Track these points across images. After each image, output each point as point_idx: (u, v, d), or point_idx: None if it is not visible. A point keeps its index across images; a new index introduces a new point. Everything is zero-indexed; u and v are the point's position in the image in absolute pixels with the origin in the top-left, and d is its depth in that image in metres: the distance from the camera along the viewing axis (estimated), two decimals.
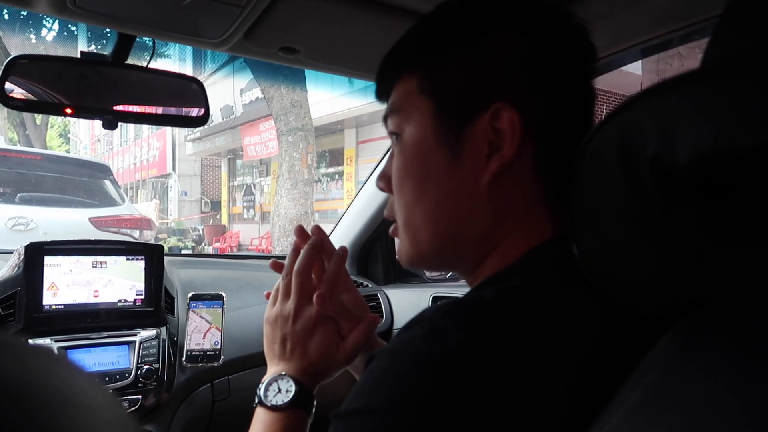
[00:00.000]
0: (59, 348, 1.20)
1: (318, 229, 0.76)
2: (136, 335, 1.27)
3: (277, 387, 0.66)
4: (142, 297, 1.34)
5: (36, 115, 11.82)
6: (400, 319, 1.67)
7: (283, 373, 0.67)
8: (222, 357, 1.34)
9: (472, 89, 0.54)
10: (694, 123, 0.41)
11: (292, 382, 0.66)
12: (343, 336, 0.70)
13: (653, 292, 0.44)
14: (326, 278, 0.71)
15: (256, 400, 0.67)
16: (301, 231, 0.76)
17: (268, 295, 0.77)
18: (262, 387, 0.67)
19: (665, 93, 0.44)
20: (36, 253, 1.24)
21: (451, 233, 0.56)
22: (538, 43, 0.54)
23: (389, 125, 0.60)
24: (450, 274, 1.74)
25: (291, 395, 0.65)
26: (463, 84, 0.54)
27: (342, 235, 1.82)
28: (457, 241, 0.56)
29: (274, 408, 0.65)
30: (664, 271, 0.43)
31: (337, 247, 0.76)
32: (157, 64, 1.11)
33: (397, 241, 0.63)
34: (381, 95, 0.63)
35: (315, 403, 0.68)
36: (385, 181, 0.62)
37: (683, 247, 0.42)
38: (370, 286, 1.77)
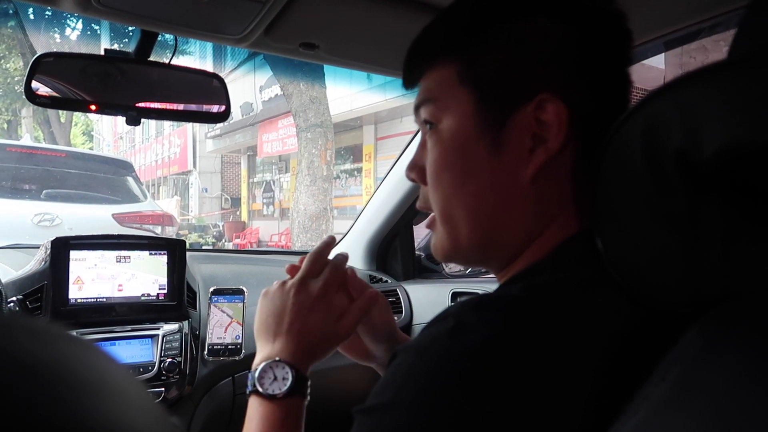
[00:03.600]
0: (90, 340, 1.22)
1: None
2: (159, 329, 1.29)
3: (273, 374, 0.64)
4: (165, 291, 1.36)
5: (60, 112, 12.04)
6: (419, 315, 1.67)
7: (278, 358, 0.64)
8: (243, 351, 1.35)
9: (515, 79, 0.52)
10: (721, 116, 0.41)
11: (288, 368, 0.63)
12: (342, 312, 0.70)
13: (678, 289, 0.44)
14: (333, 261, 0.74)
15: (249, 388, 0.64)
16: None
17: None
18: (256, 373, 0.64)
19: (691, 85, 0.43)
20: (62, 248, 1.26)
21: (490, 227, 0.55)
22: (579, 29, 0.52)
23: (422, 114, 0.58)
24: (469, 270, 1.73)
25: (288, 383, 0.63)
26: (505, 74, 0.52)
27: (361, 232, 1.82)
28: (496, 235, 0.55)
29: (270, 397, 0.63)
30: (689, 266, 0.43)
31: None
32: (179, 61, 1.12)
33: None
34: (409, 83, 0.61)
35: (309, 384, 0.66)
36: (417, 171, 0.60)
37: (709, 242, 0.42)
38: (389, 281, 1.77)
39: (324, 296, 0.68)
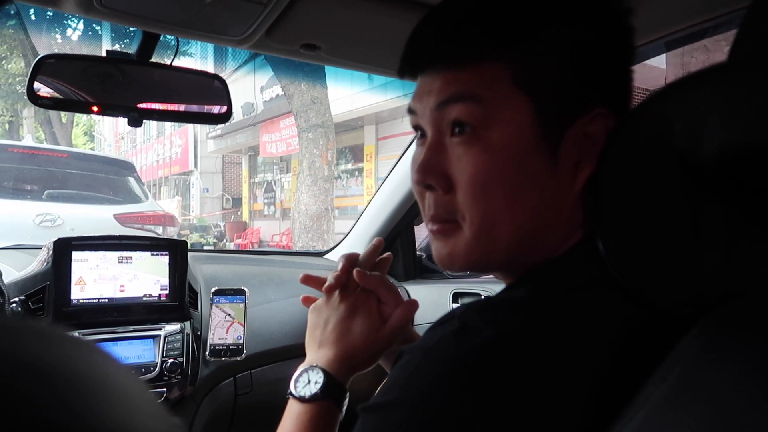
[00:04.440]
0: (92, 342, 1.22)
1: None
2: (160, 329, 1.30)
3: (307, 378, 0.66)
4: (167, 292, 1.36)
5: (62, 113, 12.05)
6: (421, 315, 1.67)
7: (315, 364, 0.67)
8: (245, 351, 1.36)
9: (573, 90, 0.49)
10: (722, 117, 0.41)
11: (321, 373, 0.66)
12: (383, 319, 0.71)
13: (680, 289, 0.44)
14: (360, 259, 0.74)
15: (288, 391, 0.67)
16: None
17: (305, 299, 0.80)
18: (294, 378, 0.67)
19: (692, 86, 0.44)
20: (64, 249, 1.26)
21: (532, 242, 0.52)
22: (610, 40, 0.51)
23: (454, 112, 0.51)
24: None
25: (319, 386, 0.65)
26: (564, 83, 0.49)
27: (362, 232, 1.82)
28: (531, 248, 0.52)
29: (301, 399, 0.65)
30: (691, 267, 0.43)
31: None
32: (180, 62, 1.12)
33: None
34: (418, 71, 0.54)
35: (347, 396, 0.67)
36: (437, 177, 0.53)
37: (711, 242, 0.42)
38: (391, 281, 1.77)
39: (364, 305, 0.70)
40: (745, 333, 0.38)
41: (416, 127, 0.57)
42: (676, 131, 0.43)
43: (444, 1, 0.54)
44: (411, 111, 0.57)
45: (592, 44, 0.50)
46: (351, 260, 0.75)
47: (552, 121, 0.49)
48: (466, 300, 1.59)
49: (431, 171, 0.53)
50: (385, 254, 0.80)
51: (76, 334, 1.22)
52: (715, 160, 0.41)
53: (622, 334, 0.46)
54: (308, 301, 0.79)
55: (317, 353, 0.70)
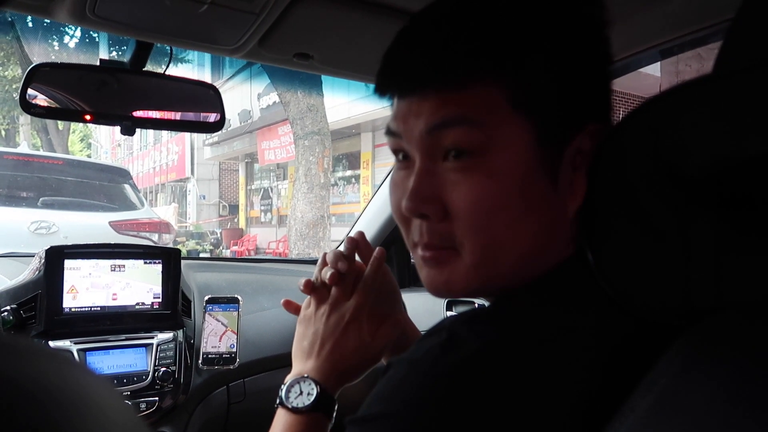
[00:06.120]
0: (78, 350, 1.22)
1: (351, 240, 0.76)
2: (153, 338, 1.29)
3: (299, 389, 0.66)
4: (160, 300, 1.35)
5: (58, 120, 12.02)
6: (415, 324, 1.67)
7: (306, 375, 0.67)
8: (238, 360, 1.35)
9: (569, 107, 0.48)
10: (708, 128, 0.41)
11: (314, 385, 0.66)
12: (373, 332, 0.70)
13: (669, 300, 0.44)
14: (365, 280, 0.71)
15: (278, 401, 0.67)
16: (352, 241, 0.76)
17: (286, 303, 0.78)
18: (284, 388, 0.67)
19: (678, 98, 0.44)
20: (56, 257, 1.26)
21: (531, 266, 0.50)
22: (593, 56, 0.51)
23: (449, 138, 0.48)
24: None
25: (312, 398, 0.65)
26: (561, 102, 0.48)
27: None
28: (531, 273, 0.50)
29: (294, 410, 0.65)
30: (679, 278, 0.43)
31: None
32: (177, 69, 1.13)
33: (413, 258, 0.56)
34: (409, 91, 0.50)
35: (336, 407, 0.68)
36: (432, 205, 0.50)
37: (699, 253, 0.42)
38: None
39: (356, 320, 0.69)
40: (725, 347, 0.38)
41: (397, 151, 0.54)
42: (664, 143, 0.43)
43: (421, 20, 0.52)
44: (392, 134, 0.53)
45: (579, 60, 0.49)
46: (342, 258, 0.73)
47: (552, 142, 0.48)
48: (461, 308, 1.59)
49: (425, 199, 0.50)
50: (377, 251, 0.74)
51: (68, 343, 1.22)
52: (703, 171, 0.41)
53: (610, 345, 0.46)
54: (290, 305, 0.78)
55: (305, 364, 0.69)
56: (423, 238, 0.52)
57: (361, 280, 0.71)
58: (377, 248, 0.74)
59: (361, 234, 0.78)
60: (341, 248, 0.75)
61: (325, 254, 0.75)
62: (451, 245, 0.50)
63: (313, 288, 0.72)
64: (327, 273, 0.70)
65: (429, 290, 0.53)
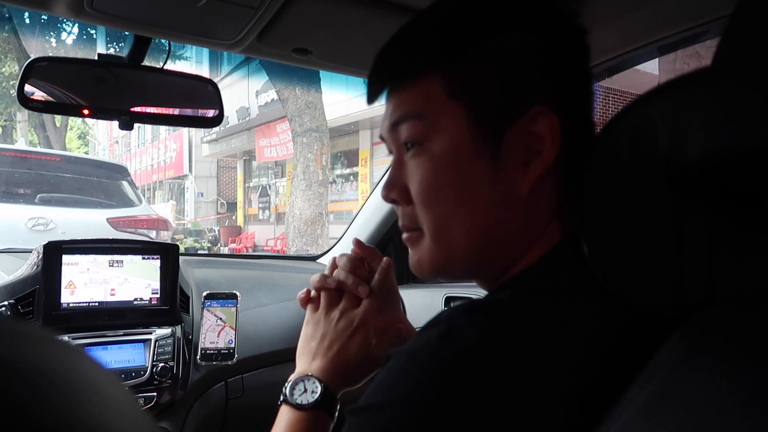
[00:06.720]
0: (76, 346, 1.21)
1: (359, 242, 0.78)
2: (151, 333, 1.29)
3: (303, 387, 0.67)
4: (158, 296, 1.35)
5: (55, 116, 12.01)
6: (414, 320, 1.66)
7: (310, 374, 0.68)
8: (236, 355, 1.35)
9: (507, 93, 0.52)
10: (705, 121, 0.41)
11: (318, 383, 0.67)
12: (378, 339, 0.72)
13: (662, 292, 0.44)
14: (373, 290, 0.73)
15: (281, 398, 0.68)
16: (359, 242, 0.78)
17: (301, 300, 0.77)
18: (288, 385, 0.68)
19: (676, 91, 0.44)
20: (54, 252, 1.26)
21: (487, 242, 0.54)
22: (551, 44, 0.53)
23: (404, 132, 0.56)
24: None
25: (316, 396, 0.66)
26: (498, 87, 0.52)
27: (355, 236, 1.82)
28: (491, 250, 0.55)
29: (298, 407, 0.66)
30: (673, 270, 0.43)
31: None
32: (175, 65, 1.13)
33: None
34: (376, 97, 0.59)
35: (338, 407, 0.69)
36: (398, 191, 0.58)
37: (693, 247, 0.42)
38: None
39: (363, 326, 0.71)
40: (724, 339, 0.39)
41: (390, 150, 0.61)
42: (660, 136, 0.43)
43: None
44: (381, 138, 0.61)
45: (529, 50, 0.52)
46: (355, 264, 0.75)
47: (488, 126, 0.52)
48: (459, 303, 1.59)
49: (392, 186, 0.58)
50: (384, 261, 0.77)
51: (65, 338, 1.22)
52: (699, 164, 0.42)
53: (606, 336, 0.46)
54: (305, 302, 0.77)
55: (311, 364, 0.70)
56: (401, 221, 0.60)
57: (372, 285, 0.73)
58: (384, 258, 0.76)
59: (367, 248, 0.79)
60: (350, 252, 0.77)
61: (335, 258, 0.77)
62: (418, 226, 0.57)
63: (323, 290, 0.74)
64: (350, 279, 0.73)
65: (411, 270, 0.60)
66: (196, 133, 17.49)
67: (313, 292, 0.75)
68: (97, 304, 1.29)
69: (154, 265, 1.36)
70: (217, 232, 15.87)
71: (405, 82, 0.55)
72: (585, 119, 0.56)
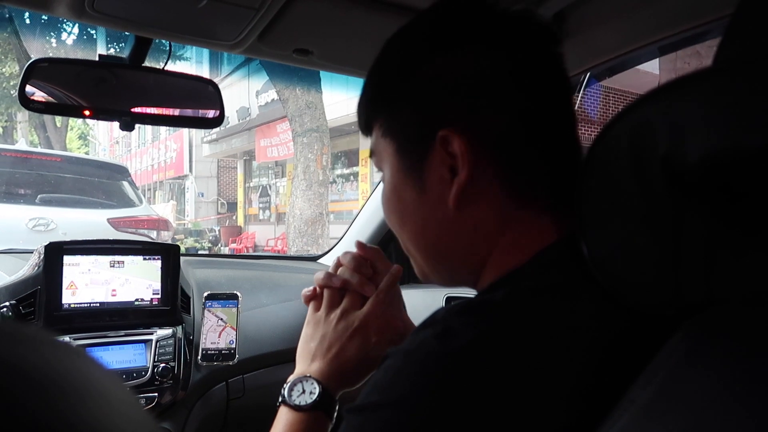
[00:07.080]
0: (77, 346, 1.21)
1: (362, 245, 0.78)
2: (152, 334, 1.29)
3: (302, 388, 0.68)
4: (159, 296, 1.35)
5: (56, 117, 12.01)
6: (415, 319, 1.67)
7: (309, 375, 0.69)
8: (237, 356, 1.35)
9: (422, 122, 0.56)
10: (705, 122, 0.41)
11: (316, 384, 0.68)
12: (377, 341, 0.71)
13: (661, 292, 0.44)
14: (378, 294, 0.73)
15: (280, 399, 0.68)
16: (361, 244, 0.78)
17: (305, 298, 0.77)
18: (287, 386, 0.69)
19: (676, 92, 0.44)
20: (55, 253, 1.26)
21: (437, 254, 0.60)
22: (496, 49, 0.54)
23: (374, 163, 0.65)
24: None
25: (314, 397, 0.67)
26: (414, 119, 0.57)
27: (356, 237, 1.82)
28: (446, 259, 0.60)
29: (296, 408, 0.66)
30: (671, 271, 0.43)
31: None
32: (175, 66, 1.13)
33: None
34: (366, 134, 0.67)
35: (336, 408, 0.69)
36: None
37: (692, 247, 0.42)
38: None
39: (363, 328, 0.71)
40: (725, 339, 0.39)
41: None
42: (659, 136, 0.43)
43: None
44: None
45: (446, 76, 0.55)
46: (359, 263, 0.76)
47: (411, 154, 0.58)
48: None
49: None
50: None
51: (67, 338, 1.22)
52: (698, 165, 0.41)
53: (605, 335, 0.46)
54: (309, 299, 0.77)
55: (310, 365, 0.71)
56: None
57: (375, 292, 0.74)
58: (394, 266, 0.77)
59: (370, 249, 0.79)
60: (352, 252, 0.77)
61: (338, 258, 0.77)
62: None
63: (325, 289, 0.75)
64: (355, 278, 0.74)
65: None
66: (197, 134, 17.48)
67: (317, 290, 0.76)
68: (98, 304, 1.29)
69: (155, 265, 1.36)
70: (217, 232, 15.87)
71: (365, 128, 0.64)
72: (552, 115, 0.56)
